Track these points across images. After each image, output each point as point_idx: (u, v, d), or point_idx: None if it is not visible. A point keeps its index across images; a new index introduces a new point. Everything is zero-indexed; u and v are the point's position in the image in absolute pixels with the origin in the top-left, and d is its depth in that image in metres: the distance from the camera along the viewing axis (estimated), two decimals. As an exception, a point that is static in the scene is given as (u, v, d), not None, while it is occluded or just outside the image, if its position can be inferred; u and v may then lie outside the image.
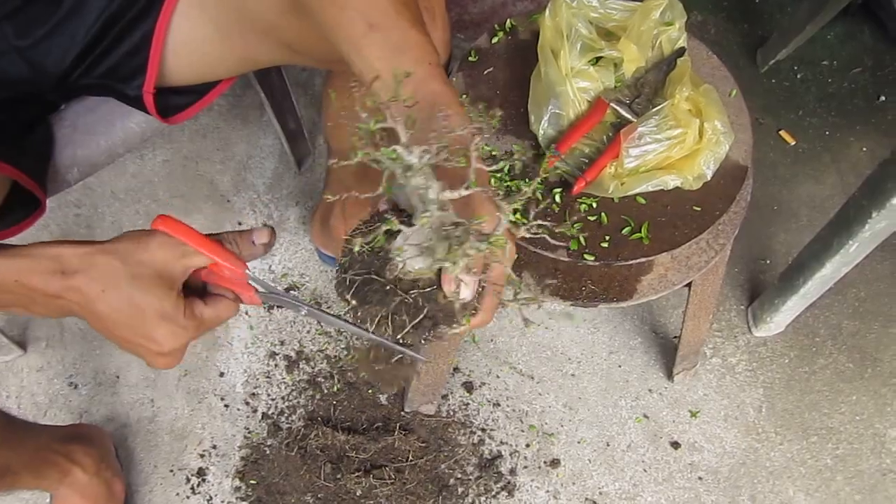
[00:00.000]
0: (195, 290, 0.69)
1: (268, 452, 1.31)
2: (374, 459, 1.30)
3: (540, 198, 0.92)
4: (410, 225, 0.59)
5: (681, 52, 0.99)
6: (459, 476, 1.30)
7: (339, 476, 1.27)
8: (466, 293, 0.58)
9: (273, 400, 1.35)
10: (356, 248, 0.59)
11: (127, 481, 1.25)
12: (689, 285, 1.08)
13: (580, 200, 0.92)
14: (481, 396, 1.37)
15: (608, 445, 1.35)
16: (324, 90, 1.18)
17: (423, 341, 0.59)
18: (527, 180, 0.91)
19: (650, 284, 0.95)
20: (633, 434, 1.36)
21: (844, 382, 1.42)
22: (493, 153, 0.95)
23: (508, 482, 1.31)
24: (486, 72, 1.01)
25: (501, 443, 1.34)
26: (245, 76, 1.14)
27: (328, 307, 1.43)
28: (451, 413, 1.35)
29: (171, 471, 1.29)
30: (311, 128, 1.56)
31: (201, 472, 1.29)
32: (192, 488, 1.28)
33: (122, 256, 0.62)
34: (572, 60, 0.94)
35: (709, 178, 0.92)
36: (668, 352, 1.42)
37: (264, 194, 1.52)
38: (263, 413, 1.34)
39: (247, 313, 1.41)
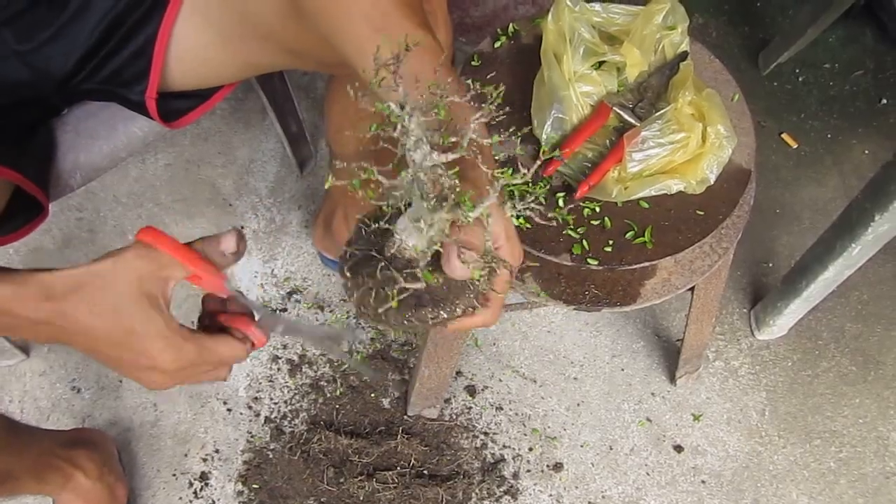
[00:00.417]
0: (212, 327, 0.67)
1: (270, 456, 1.31)
2: (376, 463, 1.30)
3: (544, 202, 0.92)
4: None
5: (683, 56, 0.99)
6: (462, 480, 1.30)
7: (342, 480, 1.27)
8: (461, 271, 0.56)
9: (276, 404, 1.35)
10: (361, 226, 0.59)
11: (130, 486, 1.25)
12: (692, 289, 1.07)
13: (583, 204, 0.92)
14: (484, 400, 1.37)
15: (611, 449, 1.35)
16: (326, 94, 1.18)
17: (405, 321, 0.58)
18: (543, 197, 0.91)
19: (653, 288, 0.95)
20: (636, 438, 1.36)
21: (847, 385, 1.41)
22: (496, 158, 0.95)
23: (511, 486, 1.31)
24: (488, 76, 1.01)
25: (504, 447, 1.34)
26: (247, 80, 1.14)
27: (330, 311, 1.43)
28: (454, 417, 1.35)
29: (174, 475, 1.29)
30: (313, 131, 1.56)
31: (204, 477, 1.29)
32: (195, 492, 1.28)
33: (104, 275, 0.60)
34: (575, 65, 0.94)
35: (712, 182, 0.92)
36: (670, 355, 1.42)
37: (266, 198, 1.52)
38: (266, 417, 1.34)
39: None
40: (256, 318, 0.66)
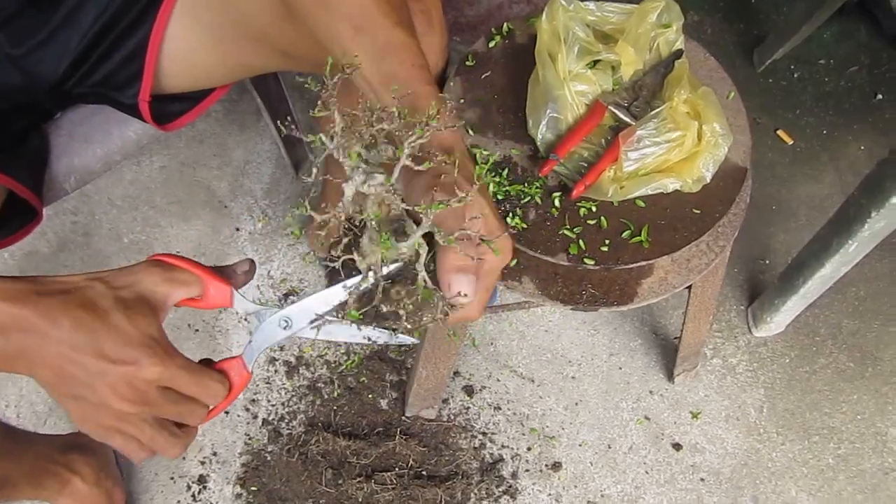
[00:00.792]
0: None
1: (269, 458, 1.30)
2: (375, 464, 1.29)
3: (539, 202, 0.92)
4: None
5: (678, 54, 0.99)
6: (461, 480, 1.29)
7: (340, 482, 1.27)
8: (465, 287, 0.56)
9: (273, 406, 1.35)
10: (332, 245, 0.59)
11: (128, 489, 1.25)
12: (689, 287, 1.07)
13: (579, 204, 0.92)
14: (482, 400, 1.37)
15: (610, 448, 1.35)
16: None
17: (410, 323, 0.58)
18: (538, 197, 0.91)
19: (650, 288, 0.95)
20: (634, 436, 1.36)
21: (845, 382, 1.41)
22: (492, 158, 0.94)
23: (510, 486, 1.31)
24: (483, 76, 1.00)
25: (503, 446, 1.34)
26: (241, 81, 1.13)
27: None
28: (452, 417, 1.35)
29: (172, 478, 1.29)
30: (308, 132, 1.55)
31: (202, 480, 1.29)
32: (193, 496, 1.28)
33: (105, 280, 0.58)
34: (570, 64, 0.94)
35: (708, 181, 0.92)
36: (668, 353, 1.42)
37: (262, 199, 1.52)
38: (264, 419, 1.33)
39: (245, 319, 1.41)
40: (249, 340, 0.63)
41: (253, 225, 1.49)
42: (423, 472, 1.30)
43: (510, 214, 0.90)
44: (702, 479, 1.33)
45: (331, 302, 0.60)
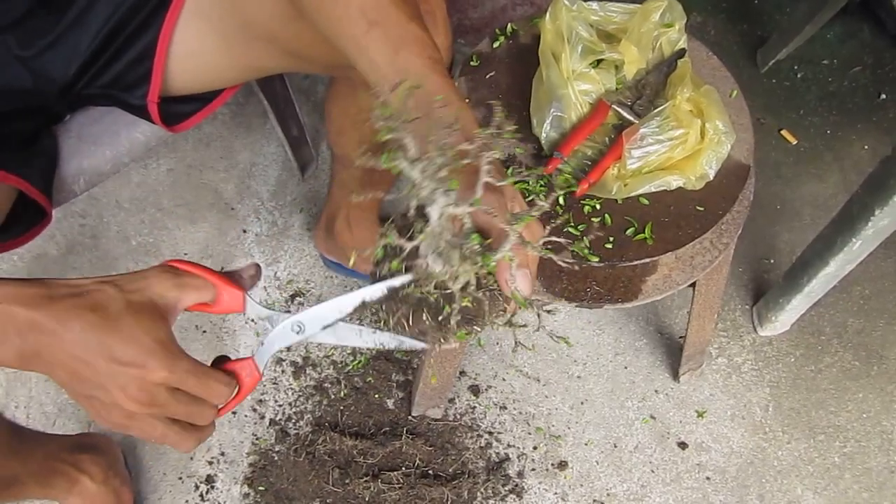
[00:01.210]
0: None
1: (276, 458, 1.31)
2: (381, 464, 1.30)
3: (543, 199, 0.92)
4: (418, 231, 0.59)
5: (681, 53, 1.00)
6: (467, 479, 1.30)
7: (347, 481, 1.27)
8: (523, 286, 0.57)
9: (280, 406, 1.35)
10: (380, 252, 0.59)
11: (136, 489, 1.26)
12: (693, 285, 1.08)
13: (584, 202, 0.93)
14: (488, 399, 1.38)
15: (615, 447, 1.35)
16: (326, 96, 1.18)
17: (443, 339, 0.59)
18: (542, 196, 0.92)
19: (654, 285, 0.96)
20: (640, 435, 1.36)
21: (851, 380, 1.42)
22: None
23: (516, 485, 1.31)
24: (487, 76, 1.01)
25: (509, 445, 1.34)
26: (248, 84, 1.14)
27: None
28: (458, 417, 1.36)
29: (180, 478, 1.29)
30: (314, 134, 1.57)
31: (210, 480, 1.30)
32: (201, 495, 1.28)
33: (116, 284, 0.59)
34: (573, 63, 0.95)
35: (711, 178, 0.93)
36: (673, 352, 1.42)
37: (268, 202, 1.53)
38: (271, 419, 1.34)
39: (252, 321, 1.41)
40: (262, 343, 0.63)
41: (259, 227, 1.50)
42: (430, 472, 1.31)
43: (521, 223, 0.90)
44: (707, 478, 1.33)
45: (344, 310, 0.61)
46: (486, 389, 1.38)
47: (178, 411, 0.59)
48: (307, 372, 1.38)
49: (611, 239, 0.90)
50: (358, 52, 0.67)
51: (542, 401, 1.38)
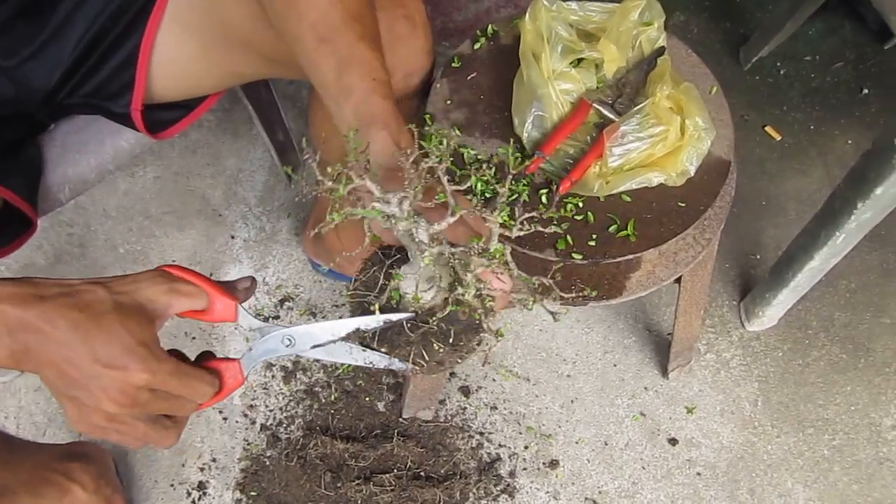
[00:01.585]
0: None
1: (267, 463, 1.31)
2: (373, 467, 1.30)
3: (527, 199, 0.93)
4: (405, 261, 0.61)
5: (660, 51, 1.01)
6: (459, 480, 1.30)
7: (339, 485, 1.28)
8: (507, 284, 0.59)
9: (271, 411, 1.35)
10: (367, 303, 0.60)
11: (128, 497, 1.26)
12: (678, 281, 1.09)
13: (566, 200, 0.93)
14: (478, 400, 1.38)
15: (606, 444, 1.36)
16: (309, 103, 1.19)
17: (460, 359, 0.61)
18: (500, 181, 0.92)
19: (639, 281, 0.96)
20: (630, 432, 1.37)
21: (838, 373, 1.43)
22: (479, 157, 0.96)
23: (508, 484, 1.31)
24: (469, 77, 1.02)
25: (500, 446, 1.35)
26: (233, 90, 1.15)
27: (323, 316, 1.43)
28: (449, 418, 1.36)
29: (172, 485, 1.29)
30: (300, 139, 1.57)
31: (202, 486, 1.30)
32: (194, 502, 1.28)
33: (106, 285, 0.59)
34: (553, 63, 0.95)
35: (692, 174, 0.94)
36: (662, 349, 1.43)
37: (256, 207, 1.53)
38: (262, 424, 1.34)
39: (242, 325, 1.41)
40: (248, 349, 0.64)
41: (247, 232, 1.50)
42: (422, 473, 1.31)
43: (498, 212, 0.91)
44: (698, 474, 1.34)
45: (337, 333, 0.62)
46: (476, 390, 1.39)
47: (160, 408, 0.59)
48: (297, 376, 1.38)
49: (594, 236, 0.91)
50: (309, 68, 0.68)
51: (532, 400, 1.38)
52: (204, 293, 0.62)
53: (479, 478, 1.32)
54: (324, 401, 1.36)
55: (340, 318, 0.64)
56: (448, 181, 0.57)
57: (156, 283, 0.60)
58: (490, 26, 1.05)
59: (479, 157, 0.96)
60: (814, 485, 1.33)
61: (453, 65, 1.03)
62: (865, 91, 1.70)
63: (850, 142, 1.65)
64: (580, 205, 0.93)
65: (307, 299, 1.45)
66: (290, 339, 0.63)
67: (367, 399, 1.36)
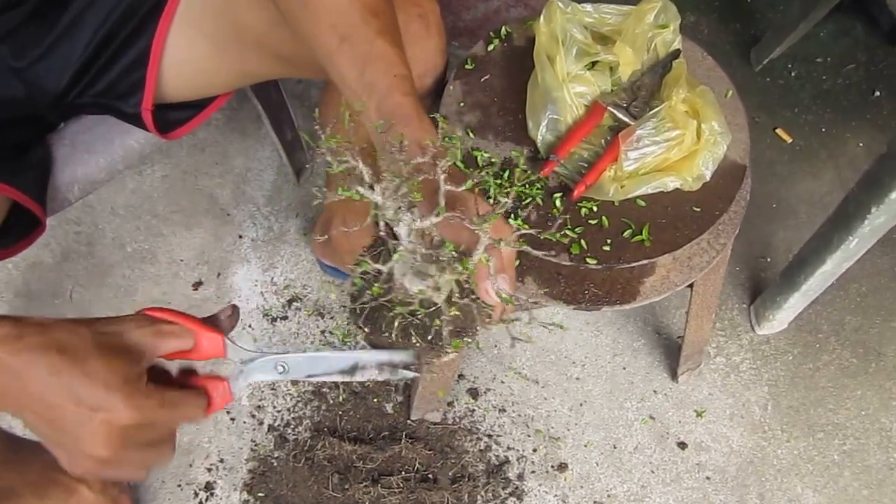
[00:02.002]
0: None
1: (275, 464, 1.31)
2: (381, 468, 1.30)
3: (541, 202, 0.92)
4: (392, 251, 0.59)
5: (676, 54, 1.00)
6: (467, 483, 1.30)
7: (346, 486, 1.27)
8: (505, 286, 0.57)
9: (279, 412, 1.35)
10: (357, 282, 0.59)
11: (135, 497, 1.25)
12: (690, 286, 1.08)
13: (580, 204, 0.92)
14: (487, 402, 1.37)
15: (615, 448, 1.35)
16: (320, 101, 1.18)
17: (435, 358, 0.59)
18: (540, 199, 0.92)
19: (652, 286, 0.96)
20: (639, 436, 1.36)
21: (849, 378, 1.42)
22: (493, 160, 0.95)
23: (517, 487, 1.31)
24: (482, 79, 1.01)
25: (508, 448, 1.34)
26: (241, 89, 1.14)
27: (331, 317, 1.43)
28: (457, 420, 1.35)
29: (179, 486, 1.29)
30: (310, 139, 1.56)
31: (209, 487, 1.29)
32: (201, 502, 1.28)
33: (90, 325, 0.56)
34: (568, 66, 0.95)
35: (708, 179, 0.93)
36: (671, 352, 1.42)
37: (264, 206, 1.52)
38: (269, 425, 1.34)
39: (250, 325, 1.41)
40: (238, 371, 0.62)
41: (255, 232, 1.50)
42: (430, 476, 1.30)
43: (512, 216, 0.90)
44: (707, 478, 1.33)
45: (334, 367, 0.61)
46: (484, 392, 1.38)
47: (151, 438, 0.57)
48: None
49: (608, 241, 0.90)
50: (329, 66, 0.68)
51: (541, 403, 1.38)
52: (189, 332, 0.59)
53: (487, 480, 1.31)
54: (332, 402, 1.35)
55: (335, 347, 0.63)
56: (446, 181, 0.55)
57: (141, 325, 0.58)
58: (504, 28, 1.04)
59: (493, 159, 0.95)
60: (824, 490, 1.33)
61: (466, 66, 1.02)
62: (877, 93, 1.69)
63: (861, 144, 1.64)
64: (594, 209, 0.92)
65: (315, 300, 1.44)
66: (283, 366, 0.61)
67: (376, 400, 1.36)
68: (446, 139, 0.59)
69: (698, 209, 0.92)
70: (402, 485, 1.28)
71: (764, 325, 1.43)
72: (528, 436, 1.35)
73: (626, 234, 0.91)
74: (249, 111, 1.59)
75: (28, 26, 0.84)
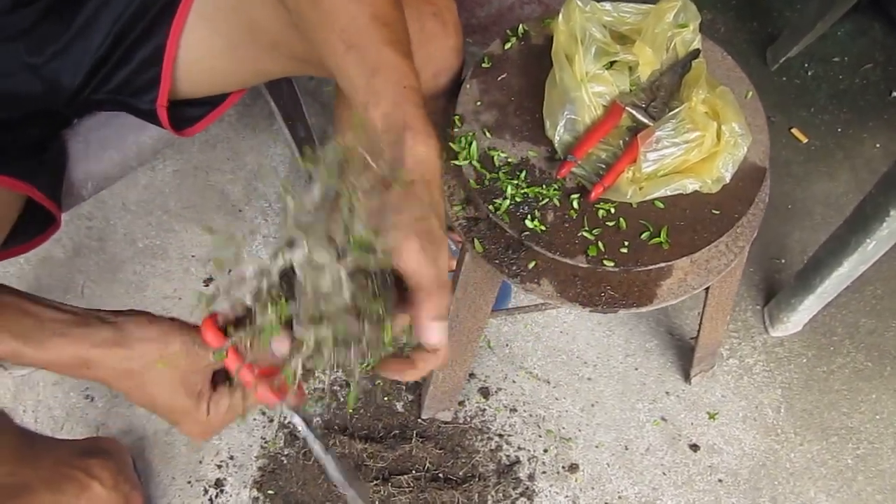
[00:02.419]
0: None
1: (285, 462, 1.30)
2: (391, 467, 1.29)
3: (557, 204, 0.91)
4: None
5: (695, 54, 0.99)
6: (478, 482, 1.29)
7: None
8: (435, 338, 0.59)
9: (289, 409, 1.34)
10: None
11: (146, 493, 1.25)
12: (706, 288, 1.07)
13: (598, 206, 0.91)
14: (498, 402, 1.37)
15: (626, 449, 1.34)
16: (335, 99, 1.17)
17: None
18: (557, 199, 0.91)
19: (669, 289, 0.95)
20: (651, 437, 1.35)
21: (863, 381, 1.41)
22: (510, 160, 0.94)
23: (527, 488, 1.30)
24: (499, 78, 1.00)
25: (519, 448, 1.33)
26: (255, 86, 1.13)
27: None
28: (468, 419, 1.35)
29: (189, 482, 1.29)
30: (322, 135, 1.56)
31: (219, 483, 1.29)
32: (211, 499, 1.28)
33: (142, 359, 0.70)
34: (587, 65, 0.94)
35: (727, 181, 0.92)
36: (684, 354, 1.41)
37: (276, 203, 1.52)
38: (280, 423, 1.33)
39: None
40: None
41: (268, 229, 1.49)
42: (440, 475, 1.30)
43: (528, 217, 0.90)
44: (720, 481, 1.32)
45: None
46: (495, 392, 1.37)
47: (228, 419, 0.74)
48: (316, 374, 1.37)
49: (626, 243, 0.89)
50: (338, 73, 0.67)
51: (552, 403, 1.37)
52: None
53: (497, 480, 1.30)
54: (342, 400, 1.35)
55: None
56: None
57: (190, 356, 0.71)
58: (521, 26, 1.03)
59: (509, 159, 0.94)
60: (837, 494, 1.32)
61: (483, 65, 1.01)
62: (894, 94, 1.68)
63: (878, 145, 1.62)
64: (612, 210, 0.91)
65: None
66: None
67: (386, 399, 1.35)
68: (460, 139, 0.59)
69: (717, 211, 0.91)
70: (412, 484, 1.27)
71: (778, 328, 1.42)
72: (539, 436, 1.34)
73: (644, 236, 0.90)
74: (262, 107, 1.59)
75: (44, 24, 0.83)
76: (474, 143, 0.94)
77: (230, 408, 0.73)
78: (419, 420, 1.33)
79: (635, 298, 0.93)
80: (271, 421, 1.33)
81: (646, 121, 0.94)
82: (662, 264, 0.89)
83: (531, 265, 0.93)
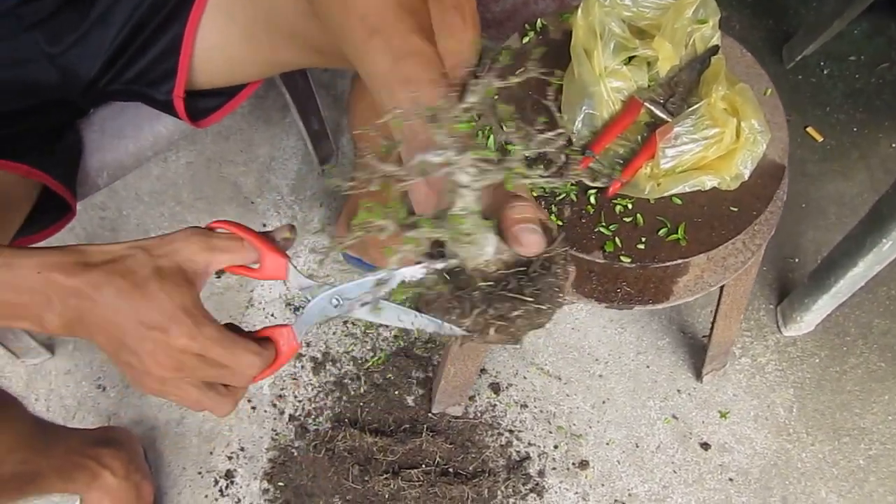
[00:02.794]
0: None
1: (295, 454, 1.30)
2: (401, 461, 1.29)
3: (575, 199, 0.91)
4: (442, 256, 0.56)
5: (714, 50, 0.98)
6: (488, 478, 1.29)
7: (366, 478, 1.27)
8: (537, 245, 0.54)
9: (300, 402, 1.35)
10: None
11: (156, 484, 1.25)
12: (721, 286, 1.06)
13: (615, 201, 0.91)
14: (508, 398, 1.36)
15: (637, 446, 1.34)
16: (349, 91, 1.17)
17: (546, 317, 0.57)
18: (574, 195, 0.90)
19: (686, 286, 0.94)
20: (662, 435, 1.35)
21: (876, 382, 1.40)
22: (526, 155, 0.94)
23: (537, 484, 1.30)
24: (517, 72, 0.99)
25: (529, 444, 1.33)
26: (269, 78, 1.13)
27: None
28: (479, 414, 1.35)
29: (200, 473, 1.29)
30: (335, 128, 1.55)
31: (229, 475, 1.29)
32: (221, 490, 1.28)
33: (146, 249, 0.59)
34: (605, 60, 0.93)
35: (746, 178, 0.91)
36: (696, 352, 1.41)
37: (288, 195, 1.52)
38: (290, 415, 1.33)
39: (272, 315, 1.41)
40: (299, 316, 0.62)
41: (279, 221, 1.49)
42: (450, 470, 1.30)
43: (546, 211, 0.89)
44: (730, 479, 1.32)
45: (383, 287, 0.58)
46: (506, 387, 1.37)
47: (209, 375, 0.59)
48: (327, 367, 1.37)
49: (643, 239, 0.89)
50: (358, 60, 0.66)
51: (563, 399, 1.37)
52: (250, 248, 0.62)
53: (507, 476, 1.30)
54: (353, 393, 1.35)
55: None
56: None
57: (191, 241, 0.60)
58: (539, 20, 1.03)
59: (527, 154, 0.94)
60: (848, 495, 1.31)
61: (501, 59, 1.00)
62: (911, 93, 1.66)
63: (893, 145, 1.61)
64: (629, 206, 0.91)
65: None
66: (338, 300, 0.61)
67: (397, 393, 1.35)
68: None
69: (735, 209, 0.91)
70: (422, 478, 1.27)
71: (791, 327, 1.42)
72: (550, 432, 1.34)
73: (662, 232, 0.90)
74: (275, 99, 1.58)
75: (62, 13, 0.83)
76: (491, 137, 0.94)
77: (249, 356, 0.60)
78: (430, 414, 1.33)
79: (651, 295, 0.93)
80: (282, 413, 1.33)
81: (664, 116, 0.93)
82: (679, 261, 0.89)
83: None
